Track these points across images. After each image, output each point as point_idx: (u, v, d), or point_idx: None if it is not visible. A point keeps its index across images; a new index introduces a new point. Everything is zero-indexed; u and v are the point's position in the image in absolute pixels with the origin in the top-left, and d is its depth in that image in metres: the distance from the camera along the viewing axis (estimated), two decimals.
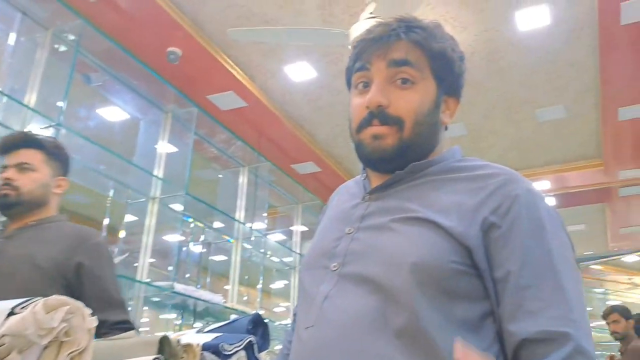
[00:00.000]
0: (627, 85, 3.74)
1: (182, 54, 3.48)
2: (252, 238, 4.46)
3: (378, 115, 0.90)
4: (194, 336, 1.62)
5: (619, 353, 4.08)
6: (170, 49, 3.47)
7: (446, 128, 1.00)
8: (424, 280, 0.79)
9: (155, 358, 1.16)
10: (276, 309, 8.50)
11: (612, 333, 3.93)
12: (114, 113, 3.65)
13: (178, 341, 1.35)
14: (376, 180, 0.96)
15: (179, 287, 3.24)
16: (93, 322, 1.08)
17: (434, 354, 0.77)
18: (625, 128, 4.24)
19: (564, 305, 0.77)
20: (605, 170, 4.93)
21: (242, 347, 1.58)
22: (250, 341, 1.62)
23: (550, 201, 5.49)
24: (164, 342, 1.30)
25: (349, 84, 0.99)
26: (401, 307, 0.79)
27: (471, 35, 3.49)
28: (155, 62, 3.48)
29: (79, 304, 0.97)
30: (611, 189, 5.28)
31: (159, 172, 3.41)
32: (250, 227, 4.36)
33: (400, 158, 0.91)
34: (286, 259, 5.13)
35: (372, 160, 0.93)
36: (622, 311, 3.92)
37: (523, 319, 0.78)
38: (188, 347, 1.39)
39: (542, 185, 5.34)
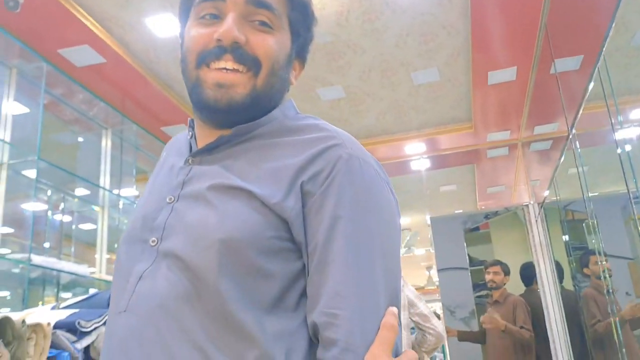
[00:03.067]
0: (497, 49, 3.91)
1: (22, 1, 3.07)
2: (121, 205, 4.20)
3: (232, 52, 0.80)
4: (46, 314, 1.44)
5: (487, 304, 4.50)
6: None
7: (288, 89, 0.91)
8: (233, 260, 0.73)
9: None
10: None
11: (489, 281, 4.44)
12: None
13: (23, 321, 1.19)
14: (203, 139, 0.87)
15: (38, 259, 3.00)
16: None
17: (246, 337, 0.72)
18: (493, 92, 4.46)
19: (348, 288, 0.72)
20: (474, 132, 5.20)
21: (102, 322, 1.44)
22: None
23: (424, 163, 5.79)
24: (4, 323, 1.14)
25: (185, 14, 0.88)
26: (209, 289, 0.72)
27: None
28: None
29: None
30: (480, 150, 5.60)
31: (5, 135, 3.05)
32: (118, 194, 4.11)
33: (247, 111, 0.82)
34: None
35: (214, 109, 0.82)
36: (504, 266, 4.46)
37: (312, 315, 0.74)
38: (37, 326, 1.24)
39: (417, 147, 5.54)
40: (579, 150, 3.61)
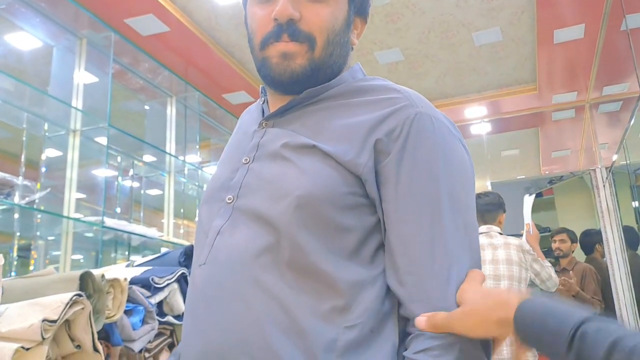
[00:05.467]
0: (563, 5, 3.73)
1: None
2: (186, 171, 4.33)
3: (288, 29, 0.83)
4: (121, 271, 1.53)
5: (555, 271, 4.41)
6: None
7: (352, 49, 0.94)
8: (312, 215, 0.76)
9: (76, 294, 1.07)
10: None
11: (555, 249, 4.34)
12: (23, 40, 3.33)
13: (102, 276, 1.27)
14: (275, 104, 0.91)
15: (110, 221, 3.14)
16: (0, 260, 1.01)
17: (326, 285, 0.75)
18: (560, 51, 4.28)
19: (429, 273, 0.75)
20: (539, 94, 5.01)
21: (174, 279, 1.52)
22: (182, 273, 1.56)
23: (485, 127, 5.65)
24: (85, 277, 1.22)
25: None
26: (289, 242, 0.76)
27: None
28: None
29: None
30: (544, 113, 5.40)
31: (77, 103, 3.20)
32: (183, 160, 4.23)
33: (310, 80, 0.85)
34: None
35: (280, 82, 0.86)
36: (571, 234, 4.36)
37: (394, 274, 0.77)
38: (114, 281, 1.33)
39: (477, 111, 5.39)
40: None
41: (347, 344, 0.73)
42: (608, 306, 4.35)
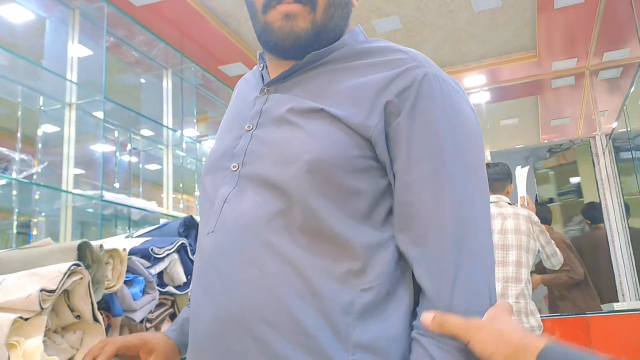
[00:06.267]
0: None
1: None
2: (184, 145, 4.32)
3: None
4: (121, 241, 1.53)
5: None
6: None
7: (350, 12, 0.93)
8: (322, 179, 0.75)
9: (74, 264, 1.07)
10: None
11: None
12: (15, 12, 3.28)
13: (101, 246, 1.27)
14: (275, 69, 0.89)
15: (109, 195, 3.15)
16: None
17: (341, 247, 0.75)
18: (560, 17, 4.21)
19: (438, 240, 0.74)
20: (538, 61, 4.95)
21: (173, 249, 1.52)
22: (182, 243, 1.56)
23: (485, 96, 5.61)
24: (84, 248, 1.22)
25: None
26: (300, 206, 0.75)
27: None
28: None
29: None
30: (544, 80, 5.35)
31: (72, 76, 3.16)
32: (181, 133, 4.21)
33: (312, 44, 0.84)
34: None
35: (283, 47, 0.85)
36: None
37: (403, 234, 0.77)
38: (114, 251, 1.32)
39: (477, 80, 5.35)
40: None
41: (364, 306, 0.73)
42: (600, 271, 4.37)
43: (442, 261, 0.73)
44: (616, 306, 3.77)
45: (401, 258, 0.77)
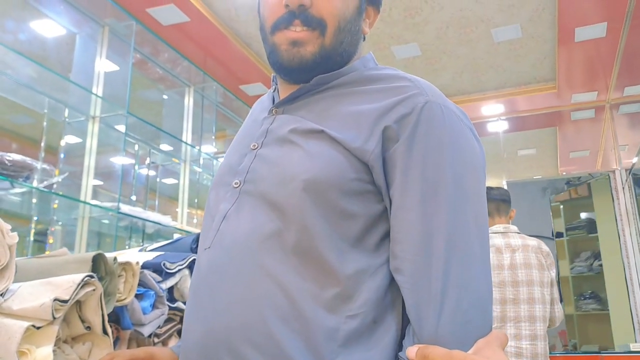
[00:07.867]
0: (585, 3, 3.67)
1: None
2: (201, 161, 4.36)
3: (299, 15, 0.83)
4: (134, 255, 1.55)
5: None
6: None
7: (364, 38, 0.94)
8: (318, 199, 0.76)
9: (88, 276, 1.09)
10: None
11: None
12: (47, 27, 3.38)
13: (115, 259, 1.29)
14: (285, 92, 0.91)
15: (125, 208, 3.18)
16: (14, 238, 1.02)
17: (328, 273, 0.74)
18: (580, 50, 4.21)
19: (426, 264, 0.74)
20: (558, 93, 4.94)
21: (185, 265, 1.54)
22: (194, 259, 1.57)
23: (502, 125, 5.60)
24: (98, 259, 1.24)
25: None
26: (294, 225, 0.76)
27: None
28: None
29: None
30: (563, 112, 5.32)
31: (97, 90, 3.24)
32: (199, 150, 4.25)
33: (319, 67, 0.86)
34: None
35: (289, 69, 0.87)
36: None
37: (394, 260, 0.76)
38: (127, 265, 1.34)
39: (494, 108, 5.34)
40: None
41: (348, 333, 0.72)
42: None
43: (429, 290, 0.71)
44: (632, 347, 3.67)
45: (392, 284, 0.77)
